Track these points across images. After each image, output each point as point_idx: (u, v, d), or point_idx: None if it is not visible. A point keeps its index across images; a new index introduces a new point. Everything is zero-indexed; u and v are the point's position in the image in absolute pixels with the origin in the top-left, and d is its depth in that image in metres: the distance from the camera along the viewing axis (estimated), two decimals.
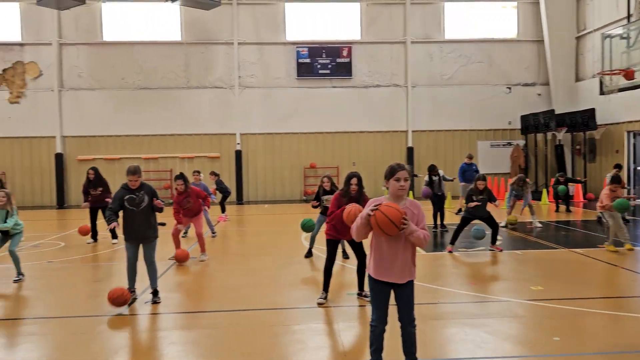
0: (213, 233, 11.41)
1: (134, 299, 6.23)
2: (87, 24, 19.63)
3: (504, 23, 21.16)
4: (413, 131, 20.84)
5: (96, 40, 19.75)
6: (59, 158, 19.68)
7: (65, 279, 7.87)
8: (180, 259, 8.30)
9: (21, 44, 19.58)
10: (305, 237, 11.11)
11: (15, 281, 7.34)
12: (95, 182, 10.63)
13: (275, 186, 20.69)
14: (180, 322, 5.67)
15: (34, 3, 17.69)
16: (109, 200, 10.50)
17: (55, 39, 19.39)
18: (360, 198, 5.81)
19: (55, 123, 19.60)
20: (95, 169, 10.82)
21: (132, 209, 5.97)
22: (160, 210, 6.20)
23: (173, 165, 20.19)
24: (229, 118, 20.18)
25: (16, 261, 7.47)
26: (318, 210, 8.32)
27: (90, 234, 10.76)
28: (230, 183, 17.05)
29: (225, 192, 14.07)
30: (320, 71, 20.39)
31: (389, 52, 20.81)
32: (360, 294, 6.15)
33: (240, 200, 20.01)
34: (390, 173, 3.69)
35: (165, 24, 20.04)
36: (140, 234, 6.07)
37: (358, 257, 6.03)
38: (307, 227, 8.95)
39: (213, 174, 13.98)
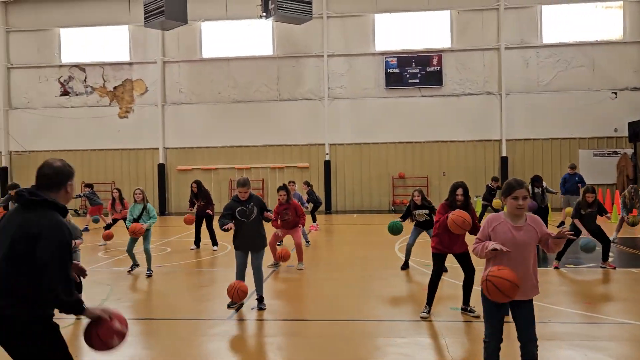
0: (307, 242, 11.64)
1: (241, 305, 6.49)
2: (188, 43, 20.88)
3: (607, 24, 19.84)
4: (507, 140, 20.05)
5: (195, 58, 20.96)
6: (161, 168, 21.02)
7: (174, 283, 8.38)
8: (284, 257, 8.44)
9: (130, 63, 21.22)
10: (399, 248, 11.03)
11: (148, 275, 8.45)
12: (198, 195, 11.23)
13: (364, 196, 20.73)
14: (285, 329, 5.83)
15: (141, 25, 19.11)
16: (210, 212, 11.18)
17: (159, 57, 20.82)
18: (467, 209, 5.68)
19: (158, 136, 20.99)
20: (198, 182, 11.43)
21: (242, 219, 6.24)
22: (269, 220, 6.48)
23: (264, 175, 20.86)
24: (318, 129, 20.55)
25: (149, 258, 8.54)
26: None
27: (194, 240, 11.38)
28: (319, 193, 17.30)
29: (316, 202, 14.30)
30: (410, 80, 20.23)
31: (481, 59, 20.23)
32: (465, 309, 5.99)
33: (328, 210, 20.25)
34: (508, 190, 3.57)
35: (259, 40, 20.85)
36: (249, 243, 6.33)
37: (466, 271, 5.88)
38: (394, 229, 8.79)
39: (306, 184, 14.27)
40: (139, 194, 8.76)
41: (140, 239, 8.59)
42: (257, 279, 6.43)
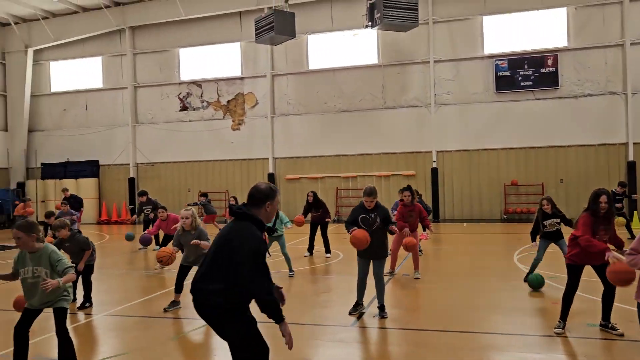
0: (419, 251, 11.46)
1: (362, 313, 6.55)
2: (295, 56, 21.60)
3: None
4: (634, 143, 18.37)
5: (302, 70, 21.61)
6: (271, 177, 21.87)
7: (292, 289, 8.63)
8: (410, 244, 8.14)
9: (241, 78, 22.39)
10: (518, 258, 10.51)
11: (290, 276, 9.22)
12: (314, 205, 11.51)
13: (473, 204, 20.03)
14: (411, 338, 5.78)
15: (252, 41, 20.11)
16: (329, 220, 11.45)
17: (269, 71, 21.75)
18: (612, 217, 5.29)
19: (268, 146, 21.88)
20: (314, 193, 11.70)
21: (364, 227, 6.32)
22: (392, 233, 6.50)
23: (370, 184, 20.85)
24: (425, 136, 20.24)
25: (288, 261, 9.31)
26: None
27: (307, 247, 11.68)
28: (426, 201, 16.98)
29: (426, 210, 14.04)
30: (522, 83, 19.28)
31: (603, 57, 18.78)
32: (605, 326, 5.55)
33: (436, 219, 19.80)
34: None
35: (363, 49, 21.04)
36: (372, 251, 6.38)
37: (606, 284, 5.44)
38: (537, 283, 7.60)
39: (415, 192, 14.08)
40: (232, 199, 9.29)
41: (277, 245, 9.40)
42: (378, 287, 6.46)
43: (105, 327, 6.56)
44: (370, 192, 6.35)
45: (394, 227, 6.48)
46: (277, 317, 3.39)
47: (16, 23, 23.56)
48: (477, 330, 5.87)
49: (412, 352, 5.32)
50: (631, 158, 18.40)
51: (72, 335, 5.21)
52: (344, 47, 21.31)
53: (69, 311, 4.74)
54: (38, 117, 24.82)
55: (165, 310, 6.93)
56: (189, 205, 11.25)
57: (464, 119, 19.93)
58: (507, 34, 19.69)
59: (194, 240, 6.77)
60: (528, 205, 19.03)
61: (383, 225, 6.38)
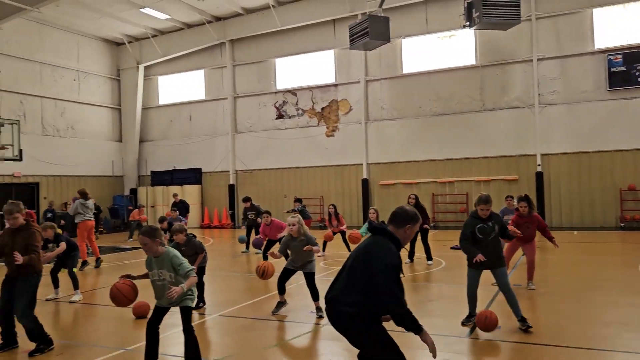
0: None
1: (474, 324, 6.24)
2: (389, 60, 21.43)
3: None
4: None
5: (397, 74, 21.38)
6: (365, 183, 21.80)
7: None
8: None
9: (335, 85, 22.59)
10: None
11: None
12: (416, 209, 11.25)
13: (584, 211, 18.62)
14: (530, 353, 5.40)
15: (346, 48, 20.25)
16: (427, 226, 11.15)
17: (362, 77, 21.76)
18: None
19: (362, 152, 21.85)
20: (415, 196, 11.44)
21: (481, 237, 6.03)
22: (512, 238, 6.17)
23: (468, 189, 20.17)
24: (528, 138, 19.18)
25: None
26: None
27: (408, 254, 11.44)
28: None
29: None
30: None
31: None
32: None
33: None
34: None
35: (460, 50, 20.41)
36: (490, 262, 6.06)
37: None
38: None
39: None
40: (373, 213, 9.23)
41: None
42: (510, 298, 6.05)
43: (220, 327, 6.80)
44: (487, 200, 6.06)
45: (513, 228, 6.15)
46: (416, 328, 3.42)
47: (129, 42, 25.54)
48: (609, 349, 5.37)
49: None
50: None
51: (182, 334, 5.45)
52: (439, 49, 20.81)
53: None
54: (147, 129, 26.68)
55: (273, 313, 7.07)
56: (287, 212, 11.50)
57: (572, 119, 18.64)
58: (621, 26, 18.17)
59: (308, 246, 6.86)
60: None
61: (499, 233, 6.08)
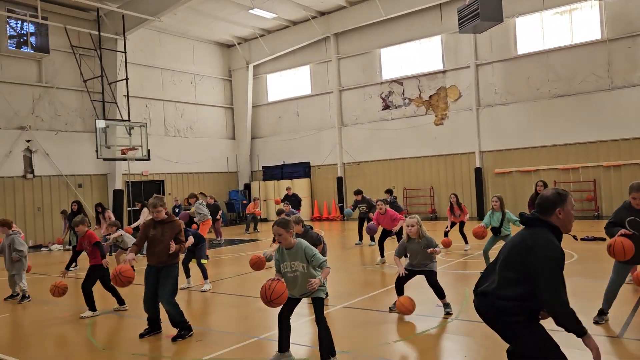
0: None
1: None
2: (501, 42, 20.27)
3: None
4: None
5: (510, 56, 20.17)
6: (478, 172, 20.88)
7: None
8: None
9: (443, 71, 21.84)
10: None
11: None
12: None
13: None
14: None
15: (454, 33, 19.48)
16: None
17: (472, 61, 20.81)
18: None
19: (473, 140, 20.94)
20: (544, 183, 10.73)
21: (633, 232, 5.44)
22: None
23: (596, 176, 18.54)
24: None
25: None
26: None
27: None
28: None
29: None
30: None
31: None
32: None
33: None
34: None
35: (582, 25, 18.75)
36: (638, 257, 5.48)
37: None
38: None
39: None
40: (496, 201, 8.77)
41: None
42: None
43: (346, 319, 6.83)
44: (639, 187, 5.44)
45: None
46: (579, 330, 3.14)
47: (239, 43, 26.68)
48: None
49: None
50: None
51: (310, 324, 5.50)
52: (557, 25, 19.29)
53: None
54: (258, 125, 27.74)
55: (390, 309, 6.94)
56: (376, 202, 11.24)
57: None
58: None
59: (431, 249, 6.61)
60: None
61: None
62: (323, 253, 7.60)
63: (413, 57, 22.71)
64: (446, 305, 6.61)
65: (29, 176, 19.37)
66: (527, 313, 3.28)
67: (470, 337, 5.73)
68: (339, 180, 24.81)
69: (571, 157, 19.02)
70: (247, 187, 27.40)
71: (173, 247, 6.02)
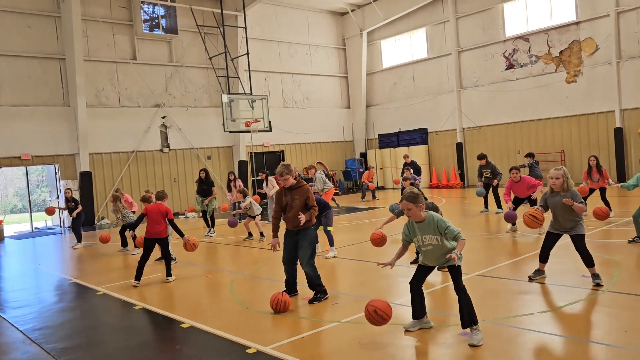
0: None
1: None
2: None
3: None
4: None
5: None
6: (618, 132, 18.89)
7: None
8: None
9: (577, 23, 19.82)
10: None
11: None
12: None
13: None
14: None
15: None
16: None
17: (612, 8, 18.62)
18: None
19: (613, 97, 18.92)
20: None
21: None
22: None
23: None
24: None
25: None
26: None
27: None
28: None
29: None
30: None
31: None
32: None
33: None
34: None
35: None
36: None
37: None
38: None
39: None
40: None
41: None
42: None
43: (482, 288, 6.58)
44: None
45: None
46: None
47: (352, 10, 26.41)
48: None
49: None
50: None
51: (432, 294, 5.32)
52: None
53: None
54: (373, 93, 27.49)
55: (530, 279, 6.54)
56: (514, 168, 10.47)
57: None
58: None
59: (567, 200, 6.07)
60: None
61: None
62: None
63: (541, 9, 20.87)
64: (595, 276, 6.09)
65: (165, 150, 21.12)
66: None
67: (628, 310, 5.22)
68: (459, 146, 23.89)
69: None
70: (364, 155, 27.45)
71: (302, 219, 6.15)
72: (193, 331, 5.57)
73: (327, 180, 14.15)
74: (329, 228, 9.33)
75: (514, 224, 10.32)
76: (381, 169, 25.84)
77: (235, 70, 21.85)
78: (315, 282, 6.33)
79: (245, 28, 21.49)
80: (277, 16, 24.81)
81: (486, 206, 13.82)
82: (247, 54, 21.21)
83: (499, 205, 13.28)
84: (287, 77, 25.33)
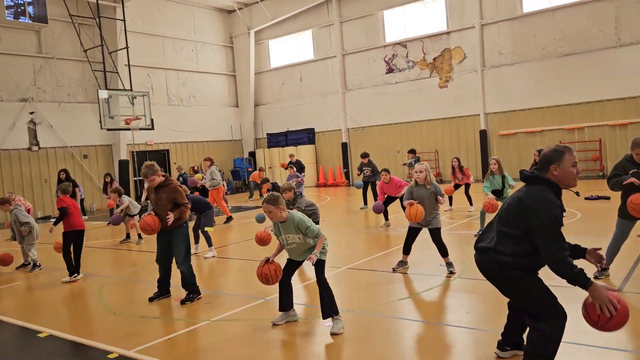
0: None
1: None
2: (507, 0, 19.81)
3: None
4: None
5: (516, 15, 19.73)
6: (483, 134, 20.76)
7: None
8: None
9: (447, 32, 21.44)
10: None
11: None
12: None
13: None
14: None
15: None
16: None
17: (477, 21, 20.40)
18: None
19: (478, 102, 20.74)
20: (539, 151, 10.67)
21: (637, 185, 5.45)
22: None
23: (601, 135, 18.39)
24: None
25: None
26: None
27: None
28: None
29: None
30: None
31: None
32: None
33: None
34: None
35: None
36: None
37: None
38: None
39: None
40: (494, 164, 8.75)
41: None
42: None
43: (351, 280, 6.94)
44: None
45: None
46: (582, 282, 3.08)
47: (240, 8, 26.24)
48: None
49: None
50: None
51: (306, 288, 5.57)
52: None
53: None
54: (261, 92, 27.54)
55: (394, 270, 7.02)
56: (403, 165, 11.26)
57: None
58: None
59: (439, 198, 6.65)
60: None
61: None
62: (316, 219, 7.50)
63: (417, 18, 22.29)
64: (449, 265, 6.70)
65: (34, 148, 19.46)
66: (525, 268, 3.36)
67: (472, 294, 5.82)
68: (344, 146, 24.76)
69: (576, 117, 18.83)
70: (252, 154, 27.42)
71: (170, 218, 6.05)
72: (51, 340, 5.25)
73: (217, 178, 13.78)
74: (206, 229, 9.19)
75: (387, 219, 10.97)
76: (270, 168, 25.99)
77: (114, 65, 20.71)
78: (189, 282, 6.27)
79: (124, 20, 20.45)
80: (160, 10, 23.93)
81: (365, 203, 14.50)
82: (127, 47, 20.21)
83: (365, 202, 14.11)
84: (171, 74, 24.54)
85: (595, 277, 5.83)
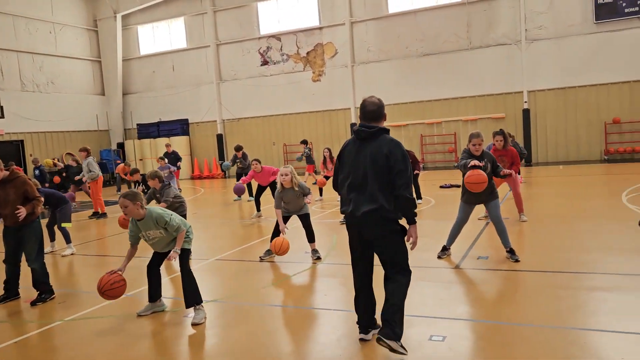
0: None
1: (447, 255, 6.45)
2: (374, 0, 20.89)
3: None
4: None
5: (382, 14, 20.92)
6: (353, 127, 21.73)
7: None
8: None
9: (320, 28, 22.09)
10: (627, 199, 9.85)
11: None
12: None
13: (569, 145, 18.89)
14: (514, 278, 5.64)
15: None
16: (418, 172, 11.20)
17: (347, 18, 21.27)
18: None
19: (349, 96, 21.68)
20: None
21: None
22: (505, 176, 6.36)
23: (456, 129, 20.26)
24: (515, 75, 19.12)
25: None
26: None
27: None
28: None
29: (521, 154, 13.42)
30: (627, 9, 17.49)
31: None
32: None
33: (528, 162, 18.93)
34: None
35: None
36: (484, 196, 6.20)
37: None
38: None
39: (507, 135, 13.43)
40: (327, 151, 9.25)
41: None
42: (500, 230, 6.22)
43: (219, 270, 6.97)
44: (478, 134, 6.12)
45: (505, 171, 6.26)
46: (413, 218, 3.77)
47: None
48: (591, 272, 5.62)
49: (519, 292, 5.20)
50: None
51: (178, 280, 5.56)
52: None
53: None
54: (130, 81, 26.13)
55: (261, 258, 7.17)
56: (298, 159, 11.41)
57: (558, 54, 18.54)
58: None
59: (306, 199, 6.86)
60: (633, 144, 17.68)
61: (492, 170, 6.21)
62: (183, 210, 7.34)
63: (290, 12, 22.63)
64: (315, 252, 7.00)
65: None
66: (396, 214, 3.81)
67: (334, 278, 6.17)
68: (219, 137, 24.45)
69: (435, 112, 20.52)
70: (121, 146, 25.97)
71: (22, 213, 5.58)
72: None
73: (95, 169, 12.67)
74: (63, 224, 8.57)
75: (259, 210, 11.11)
76: (141, 160, 24.82)
77: None
78: (41, 280, 5.85)
79: None
80: None
81: (240, 195, 14.48)
82: None
83: (250, 194, 14.09)
84: (25, 57, 22.31)
85: (439, 257, 6.50)
